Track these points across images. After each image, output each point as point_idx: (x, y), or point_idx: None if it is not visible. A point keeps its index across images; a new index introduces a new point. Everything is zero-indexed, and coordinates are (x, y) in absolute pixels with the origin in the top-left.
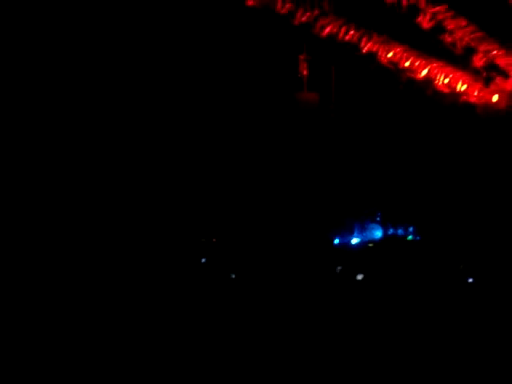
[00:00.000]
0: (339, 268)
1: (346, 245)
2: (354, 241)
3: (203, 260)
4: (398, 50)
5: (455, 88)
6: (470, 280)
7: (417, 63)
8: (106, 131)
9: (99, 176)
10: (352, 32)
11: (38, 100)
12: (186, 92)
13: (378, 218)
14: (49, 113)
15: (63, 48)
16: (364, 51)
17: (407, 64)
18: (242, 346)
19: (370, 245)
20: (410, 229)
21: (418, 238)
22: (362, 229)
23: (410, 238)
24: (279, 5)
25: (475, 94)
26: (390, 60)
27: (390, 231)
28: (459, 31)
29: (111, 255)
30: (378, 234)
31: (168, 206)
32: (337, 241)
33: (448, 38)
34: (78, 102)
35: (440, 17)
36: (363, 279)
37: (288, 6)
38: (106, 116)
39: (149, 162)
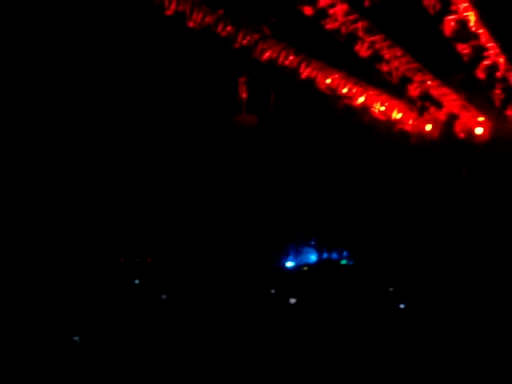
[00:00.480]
0: (272, 291)
1: (281, 268)
2: (289, 264)
3: (137, 281)
4: (336, 76)
5: (391, 116)
6: (402, 306)
7: (354, 90)
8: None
9: None
10: (292, 57)
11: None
12: (129, 113)
13: (313, 242)
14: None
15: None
16: (303, 76)
17: (345, 90)
18: (173, 364)
19: (305, 268)
20: (344, 253)
21: (351, 262)
22: (297, 252)
23: (343, 262)
24: (220, 27)
25: (410, 122)
26: (328, 86)
27: (325, 255)
28: (395, 61)
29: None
30: (313, 257)
31: (103, 226)
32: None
33: (385, 67)
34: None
35: (377, 46)
36: (296, 302)
37: (228, 29)
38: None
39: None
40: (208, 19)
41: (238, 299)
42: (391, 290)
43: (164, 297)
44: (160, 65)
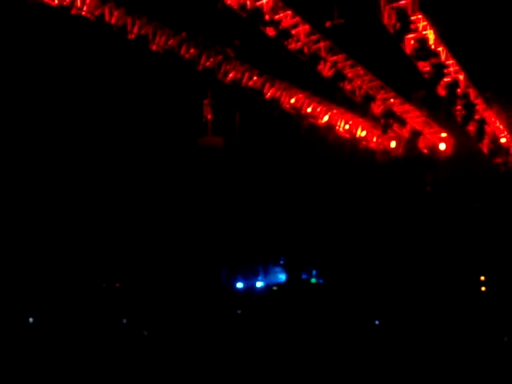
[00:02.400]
0: (239, 311)
1: (250, 288)
2: (259, 284)
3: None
4: (300, 96)
5: (355, 134)
6: (376, 322)
7: (318, 109)
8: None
9: None
10: (255, 78)
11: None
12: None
13: (282, 262)
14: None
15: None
16: (267, 97)
17: (309, 110)
18: None
19: (275, 288)
20: (314, 272)
21: (320, 281)
22: (266, 272)
23: (313, 280)
24: (183, 50)
25: (374, 140)
26: (293, 106)
27: (294, 275)
28: (358, 79)
29: None
30: (282, 277)
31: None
32: (241, 285)
33: (348, 86)
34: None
35: (340, 65)
36: (269, 321)
37: (192, 51)
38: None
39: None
40: (171, 42)
41: (208, 320)
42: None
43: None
44: (123, 89)
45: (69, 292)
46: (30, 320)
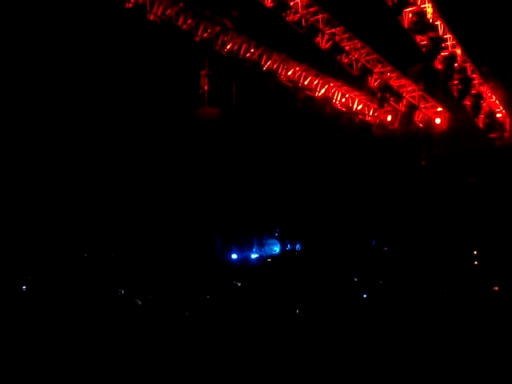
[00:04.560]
0: (239, 284)
1: (244, 260)
2: (253, 256)
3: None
4: (298, 68)
5: (351, 107)
6: (365, 295)
7: (315, 82)
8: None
9: None
10: (253, 50)
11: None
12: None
13: (277, 234)
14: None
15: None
16: (264, 69)
17: (306, 82)
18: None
19: (269, 260)
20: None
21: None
22: (261, 244)
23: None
24: (181, 20)
25: (370, 113)
26: (289, 78)
27: (288, 246)
28: (355, 53)
29: None
30: (276, 249)
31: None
32: (235, 256)
33: (345, 59)
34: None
35: (337, 38)
36: (264, 293)
37: (189, 21)
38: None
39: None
40: (169, 12)
41: (206, 292)
42: (355, 279)
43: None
44: (120, 59)
45: (63, 261)
46: (23, 288)
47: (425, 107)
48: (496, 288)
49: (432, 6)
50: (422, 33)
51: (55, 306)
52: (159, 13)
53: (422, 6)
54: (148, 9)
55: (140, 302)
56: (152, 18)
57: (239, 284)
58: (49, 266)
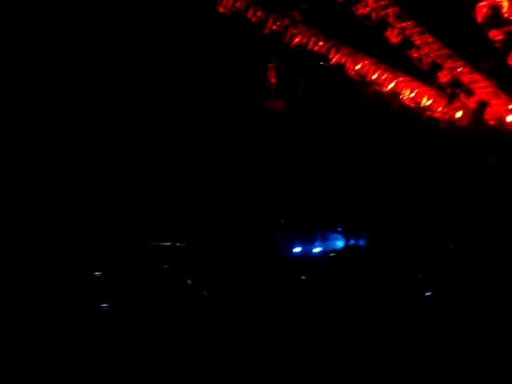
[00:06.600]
0: (303, 277)
1: (307, 253)
2: (316, 250)
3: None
4: (366, 62)
5: (420, 103)
6: (428, 293)
7: (383, 76)
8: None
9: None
10: (321, 43)
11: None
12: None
13: (340, 229)
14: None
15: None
16: (332, 62)
17: (374, 77)
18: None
19: (332, 254)
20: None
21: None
22: (324, 239)
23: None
24: (250, 13)
25: (439, 109)
26: (358, 72)
27: (351, 241)
28: (426, 47)
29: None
30: (340, 243)
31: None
32: (298, 249)
33: (415, 54)
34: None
35: (408, 32)
36: (328, 288)
37: (259, 14)
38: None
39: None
40: (238, 4)
41: (269, 284)
42: (419, 277)
43: (189, 282)
44: (189, 50)
45: (130, 249)
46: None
47: (497, 104)
48: None
49: (508, 0)
50: (496, 27)
51: (123, 292)
52: (229, 5)
53: (498, 0)
54: (218, 1)
55: (206, 293)
56: (222, 10)
57: (303, 277)
58: (115, 253)
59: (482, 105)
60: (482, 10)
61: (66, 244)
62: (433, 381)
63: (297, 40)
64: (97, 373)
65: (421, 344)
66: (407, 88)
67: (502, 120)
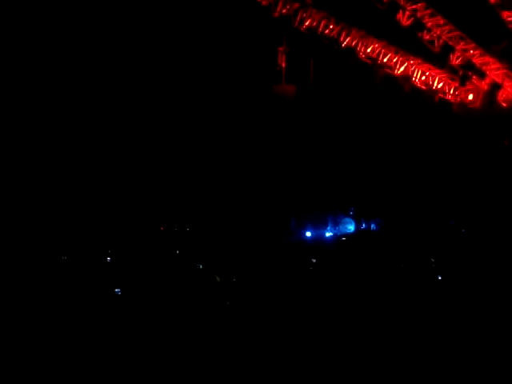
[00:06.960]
0: (314, 260)
1: (319, 237)
2: (328, 234)
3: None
4: (377, 45)
5: (432, 85)
6: (439, 277)
7: (395, 59)
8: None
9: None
10: (332, 26)
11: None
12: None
13: (352, 213)
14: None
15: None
16: (343, 46)
17: (385, 60)
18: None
19: (344, 238)
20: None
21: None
22: (336, 223)
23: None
24: None
25: (451, 92)
26: (369, 55)
27: (363, 225)
28: (437, 29)
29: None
30: (351, 228)
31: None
32: (310, 233)
33: (426, 36)
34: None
35: (419, 14)
36: (338, 272)
37: None
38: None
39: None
40: None
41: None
42: (432, 260)
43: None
44: (199, 33)
45: (142, 236)
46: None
47: (509, 86)
48: None
49: None
50: (508, 9)
51: (136, 278)
52: None
53: None
54: None
55: (219, 279)
56: None
57: (314, 260)
58: (129, 240)
59: (495, 87)
60: None
61: (80, 231)
62: (443, 364)
63: (307, 23)
64: (110, 357)
65: (432, 328)
66: (418, 71)
67: None
